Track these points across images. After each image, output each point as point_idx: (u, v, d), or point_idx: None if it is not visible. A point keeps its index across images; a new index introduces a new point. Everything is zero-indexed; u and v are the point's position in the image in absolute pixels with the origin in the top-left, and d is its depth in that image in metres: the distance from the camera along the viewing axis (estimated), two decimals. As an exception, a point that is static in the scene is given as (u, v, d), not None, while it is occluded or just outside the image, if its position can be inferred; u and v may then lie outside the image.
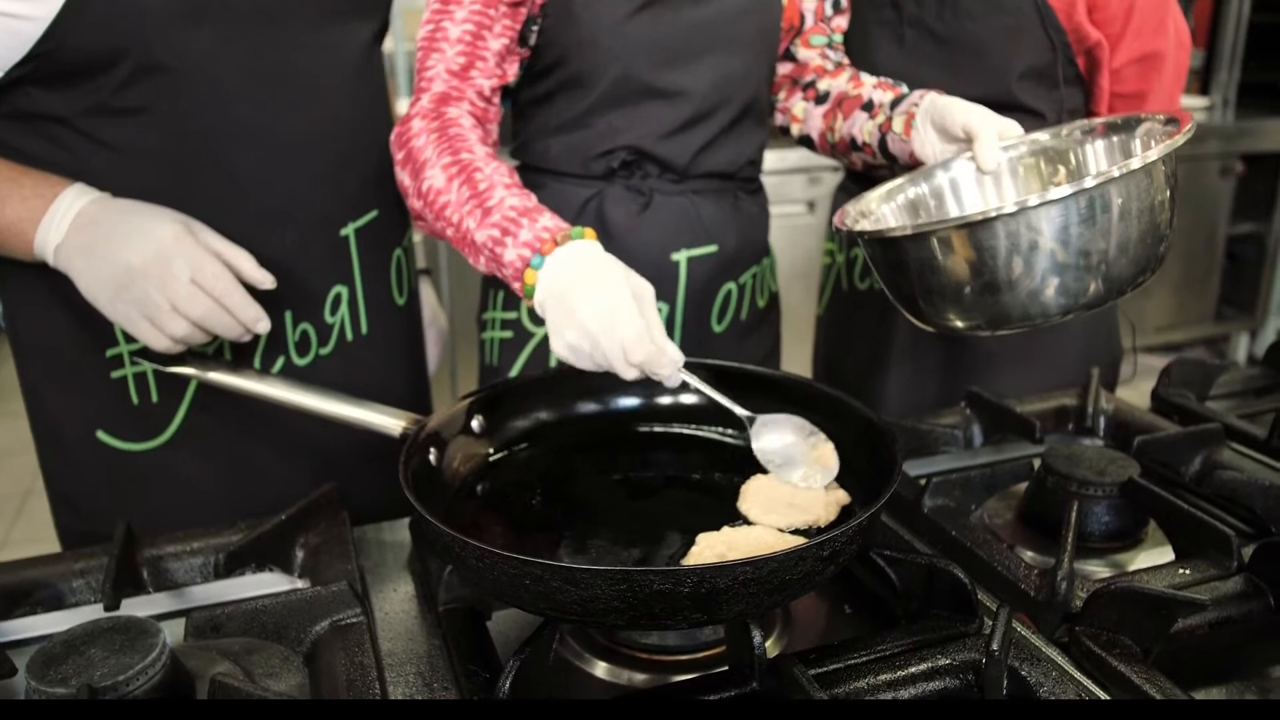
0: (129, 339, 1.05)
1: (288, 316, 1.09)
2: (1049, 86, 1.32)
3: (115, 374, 1.06)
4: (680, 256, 1.25)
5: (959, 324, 0.93)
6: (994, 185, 1.08)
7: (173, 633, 0.88)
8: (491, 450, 0.97)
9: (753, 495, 0.88)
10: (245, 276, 0.98)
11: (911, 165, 1.14)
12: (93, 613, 0.88)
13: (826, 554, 0.71)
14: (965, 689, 0.75)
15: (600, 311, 0.87)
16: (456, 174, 1.02)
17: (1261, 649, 0.84)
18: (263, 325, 0.98)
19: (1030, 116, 1.29)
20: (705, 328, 1.30)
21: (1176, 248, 1.48)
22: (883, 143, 1.17)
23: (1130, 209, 0.87)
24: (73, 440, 1.11)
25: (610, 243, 1.19)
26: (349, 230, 1.12)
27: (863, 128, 1.21)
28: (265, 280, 0.99)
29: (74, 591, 0.89)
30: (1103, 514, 0.97)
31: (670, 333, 1.27)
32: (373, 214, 1.15)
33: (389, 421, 0.93)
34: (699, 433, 1.03)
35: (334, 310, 1.13)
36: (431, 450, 0.89)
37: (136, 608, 0.88)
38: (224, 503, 1.12)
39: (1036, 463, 1.03)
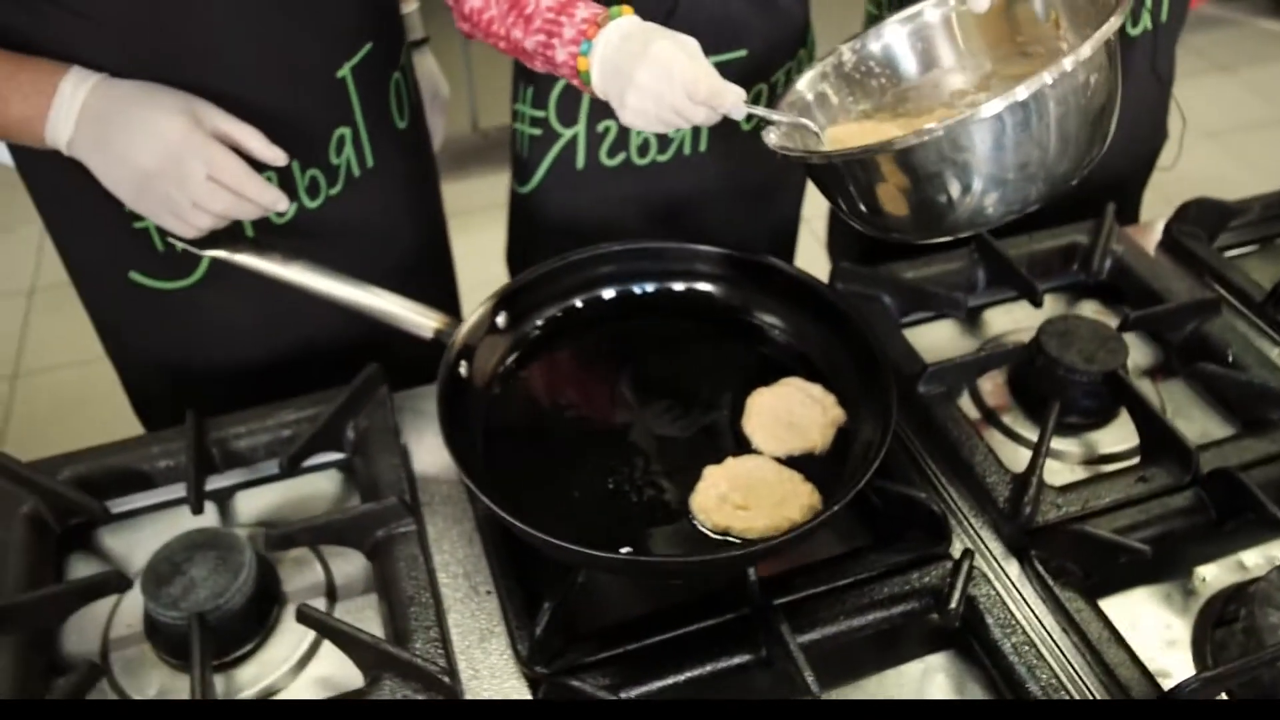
0: None
1: (295, 165, 1.11)
2: None
3: (138, 225, 1.10)
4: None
5: (901, 236, 0.93)
6: (966, 43, 1.01)
7: (247, 504, 1.03)
8: (516, 346, 1.05)
9: (755, 415, 0.96)
10: (257, 156, 1.00)
11: None
12: (175, 491, 1.02)
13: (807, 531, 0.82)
14: (926, 610, 0.88)
15: (655, 68, 0.91)
16: None
17: (1191, 550, 0.95)
18: (282, 205, 1.02)
19: None
20: (734, 126, 1.30)
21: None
22: None
23: (1067, 107, 0.81)
24: (107, 280, 1.17)
25: None
26: (345, 71, 1.10)
27: None
28: (278, 158, 1.01)
29: (158, 474, 1.01)
30: (1082, 398, 1.05)
31: (696, 136, 1.30)
32: (367, 48, 1.12)
33: (420, 321, 1.00)
34: (716, 308, 1.10)
35: (339, 151, 1.14)
36: (462, 364, 0.97)
37: (212, 483, 1.02)
38: (259, 335, 1.22)
39: (1029, 337, 1.09)
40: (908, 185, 0.84)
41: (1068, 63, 0.77)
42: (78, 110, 0.94)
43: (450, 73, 1.16)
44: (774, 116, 0.96)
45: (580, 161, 1.30)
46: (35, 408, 2.51)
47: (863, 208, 0.90)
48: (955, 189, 0.82)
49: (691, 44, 0.94)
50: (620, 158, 1.29)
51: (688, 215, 1.34)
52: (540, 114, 1.30)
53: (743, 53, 1.23)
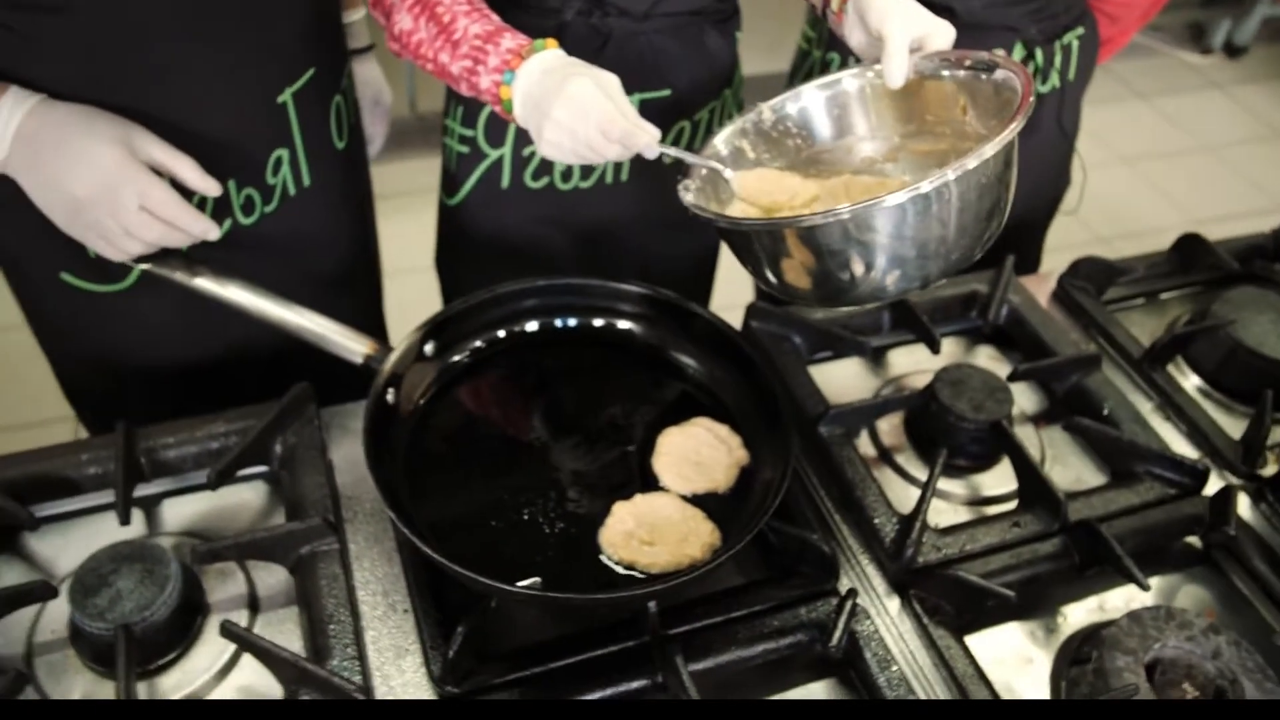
0: None
1: (231, 185, 1.13)
2: None
3: (70, 235, 1.12)
4: (632, 100, 1.27)
5: (804, 303, 0.98)
6: (880, 115, 1.04)
7: (174, 513, 1.07)
8: (442, 374, 1.10)
9: (665, 454, 1.02)
10: (191, 186, 1.02)
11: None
12: (102, 497, 1.05)
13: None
14: (812, 642, 0.95)
15: (571, 104, 0.95)
16: (420, 12, 1.07)
17: (1057, 591, 1.04)
18: (213, 235, 1.04)
19: None
20: (656, 163, 1.34)
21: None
22: (824, 13, 1.11)
23: (969, 198, 0.85)
24: (39, 280, 1.18)
25: None
26: (286, 96, 1.13)
27: None
28: (212, 188, 1.03)
29: (86, 480, 1.04)
30: (969, 444, 1.14)
31: (618, 166, 1.35)
32: (309, 74, 1.15)
33: (351, 345, 1.05)
34: (634, 346, 1.16)
35: (275, 172, 1.17)
36: (390, 391, 1.01)
37: (140, 489, 1.05)
38: (189, 339, 1.24)
39: (927, 379, 1.16)
40: (811, 259, 0.89)
41: (971, 160, 0.82)
42: (13, 132, 0.96)
43: (390, 56, 1.19)
44: (687, 158, 1.00)
45: (505, 181, 1.34)
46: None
47: (768, 273, 0.94)
48: (858, 266, 0.87)
49: (611, 81, 0.97)
50: (544, 181, 1.34)
51: (610, 240, 1.40)
52: (469, 133, 1.34)
53: (666, 92, 1.29)
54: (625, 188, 1.36)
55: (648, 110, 1.29)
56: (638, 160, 1.32)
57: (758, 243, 0.92)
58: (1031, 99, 0.88)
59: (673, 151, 0.99)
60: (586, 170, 1.34)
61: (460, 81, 1.04)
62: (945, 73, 0.99)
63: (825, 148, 1.06)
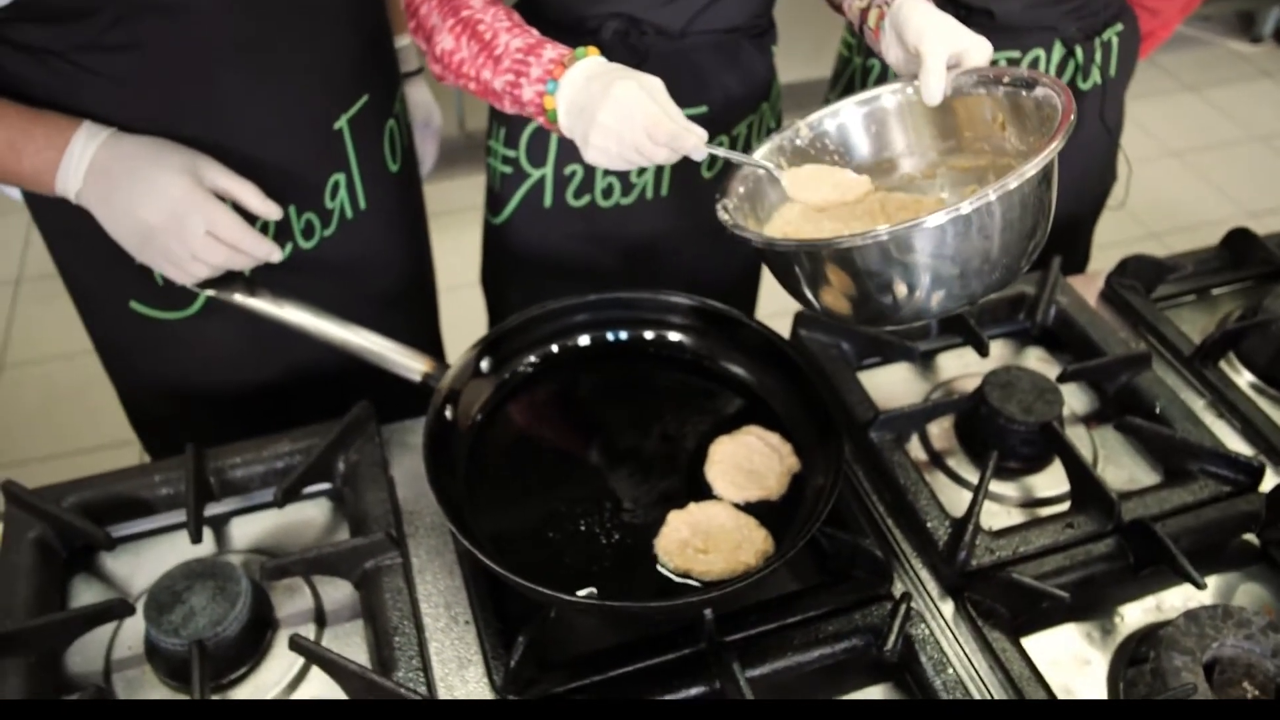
0: None
1: (291, 210, 1.17)
2: None
3: (139, 261, 1.16)
4: None
5: (843, 323, 0.98)
6: (919, 131, 1.05)
7: (242, 531, 1.10)
8: (498, 390, 1.13)
9: (717, 462, 1.04)
10: (254, 210, 1.06)
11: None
12: (174, 517, 1.09)
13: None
14: (866, 647, 0.96)
15: (616, 109, 0.95)
16: (461, 31, 1.08)
17: (1113, 592, 1.04)
18: (275, 257, 1.08)
19: None
20: (695, 175, 1.37)
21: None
22: (861, 30, 1.13)
23: (1010, 217, 0.85)
24: (109, 308, 1.23)
25: None
26: (342, 123, 1.17)
27: (851, 5, 1.16)
28: (274, 213, 1.07)
29: (159, 501, 1.08)
30: (1020, 446, 1.14)
31: (659, 182, 1.36)
32: (363, 100, 1.19)
33: (409, 364, 1.08)
34: (684, 357, 1.18)
35: (333, 196, 1.20)
36: (448, 408, 1.04)
37: (209, 509, 1.09)
38: (252, 363, 1.28)
39: (976, 382, 1.17)
40: (850, 281, 0.89)
41: (1012, 180, 0.82)
42: (86, 165, 1.01)
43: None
44: (735, 157, 1.01)
45: (548, 200, 1.37)
46: (21, 399, 2.56)
47: (808, 294, 0.95)
48: (899, 287, 0.87)
49: (655, 84, 0.98)
50: (585, 199, 1.36)
51: (653, 254, 1.41)
52: (512, 153, 1.36)
53: (704, 108, 1.30)
54: (666, 203, 1.38)
55: None
56: (678, 175, 1.35)
57: (796, 264, 0.93)
58: (1072, 118, 0.88)
59: (721, 152, 0.99)
60: (627, 187, 1.36)
61: (504, 97, 1.06)
62: (983, 89, 0.99)
63: (863, 164, 1.07)
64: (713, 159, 1.35)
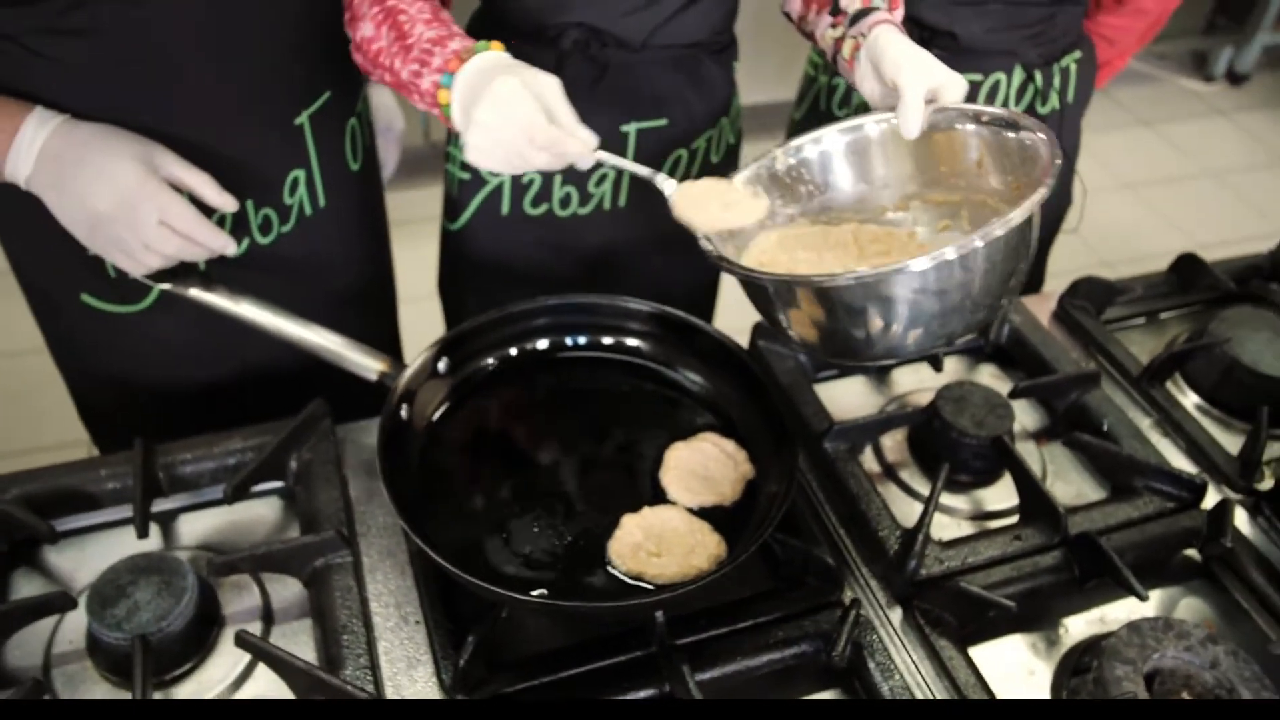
0: None
1: (249, 205, 1.16)
2: None
3: (91, 252, 1.14)
4: (630, 128, 1.30)
5: (818, 356, 0.99)
6: (892, 163, 1.05)
7: (190, 527, 1.09)
8: (454, 391, 1.12)
9: (672, 468, 1.04)
10: (208, 202, 1.05)
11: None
12: (120, 512, 1.07)
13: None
14: (816, 652, 0.97)
15: (494, 106, 0.90)
16: (383, 20, 1.04)
17: (1058, 603, 1.06)
18: (230, 249, 1.07)
19: None
20: (653, 187, 1.37)
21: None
22: (835, 59, 1.12)
23: (995, 260, 0.86)
24: (60, 301, 1.21)
25: None
26: (303, 119, 1.16)
27: (824, 34, 1.16)
28: (229, 204, 1.06)
29: (105, 495, 1.07)
30: (971, 459, 1.15)
31: (616, 193, 1.36)
32: (325, 96, 1.18)
33: (365, 362, 1.07)
34: (642, 362, 1.18)
35: (292, 192, 1.20)
36: (403, 407, 1.04)
37: (157, 505, 1.07)
38: (205, 359, 1.27)
39: (930, 396, 1.18)
40: (825, 316, 0.89)
41: (997, 228, 0.82)
42: (38, 150, 0.99)
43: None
44: (625, 166, 0.97)
45: (505, 208, 1.37)
46: (-29, 397, 2.50)
47: (783, 322, 0.95)
48: (875, 325, 0.87)
49: (547, 82, 0.92)
50: (543, 208, 1.37)
51: (610, 265, 1.42)
52: None
53: (664, 121, 1.31)
54: (624, 214, 1.38)
55: (646, 140, 1.31)
56: (636, 186, 1.36)
57: (777, 297, 0.93)
58: (1057, 162, 0.89)
59: (611, 160, 0.96)
60: (585, 197, 1.36)
61: (411, 89, 1.01)
62: (959, 126, 1.00)
63: (836, 194, 1.07)
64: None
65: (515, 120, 0.90)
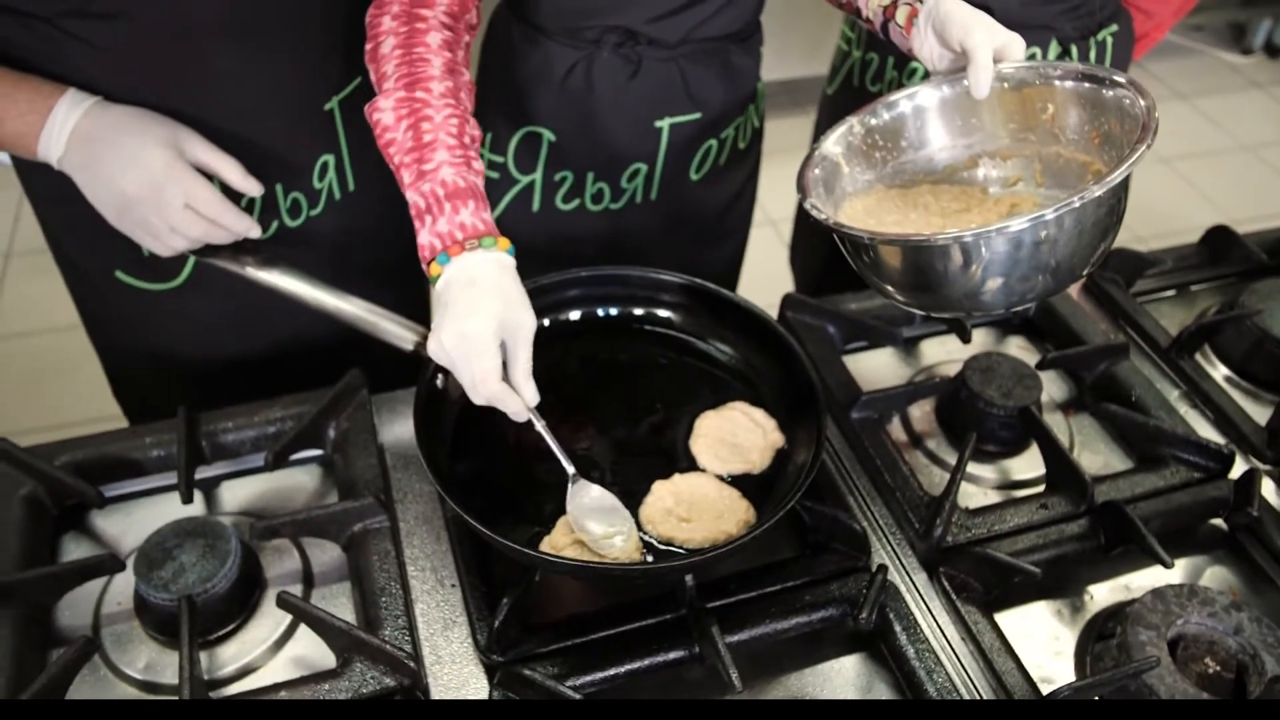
0: None
1: (278, 189, 1.18)
2: None
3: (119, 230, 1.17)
4: (663, 124, 1.31)
5: (908, 308, 1.02)
6: (960, 123, 1.07)
7: (232, 494, 1.12)
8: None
9: (702, 436, 1.06)
10: (234, 186, 1.08)
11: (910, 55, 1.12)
12: (165, 479, 1.10)
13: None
14: (843, 616, 0.98)
15: (467, 339, 0.92)
16: (406, 114, 0.99)
17: (1083, 571, 1.07)
18: (255, 233, 1.10)
19: None
20: (683, 178, 1.39)
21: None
22: (885, 26, 1.13)
23: (1087, 222, 0.88)
24: (95, 278, 1.24)
25: (596, 106, 1.26)
26: (333, 104, 1.18)
27: (869, 2, 1.16)
28: (255, 189, 1.09)
29: (150, 462, 1.10)
30: (998, 429, 1.16)
31: (648, 187, 1.37)
32: (356, 82, 1.20)
33: (401, 333, 1.08)
34: (672, 333, 1.20)
35: (322, 177, 1.21)
36: (439, 376, 1.06)
37: (200, 472, 1.10)
38: (240, 334, 1.29)
39: (958, 368, 1.19)
40: (922, 272, 0.92)
41: (1095, 188, 0.84)
42: (69, 132, 1.01)
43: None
44: (549, 441, 0.98)
45: (536, 205, 1.38)
46: (10, 373, 2.56)
47: (877, 278, 0.97)
48: (972, 281, 0.89)
49: (522, 323, 0.94)
50: (575, 203, 1.38)
51: (636, 252, 1.43)
52: (499, 159, 1.37)
53: (697, 115, 1.32)
54: (654, 205, 1.39)
55: (678, 134, 1.33)
56: (667, 178, 1.36)
57: (871, 252, 0.95)
58: (1156, 115, 0.90)
59: (541, 429, 0.98)
60: (617, 192, 1.37)
61: (408, 205, 0.99)
62: (1032, 81, 1.02)
63: (908, 157, 1.09)
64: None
65: (473, 369, 0.92)
